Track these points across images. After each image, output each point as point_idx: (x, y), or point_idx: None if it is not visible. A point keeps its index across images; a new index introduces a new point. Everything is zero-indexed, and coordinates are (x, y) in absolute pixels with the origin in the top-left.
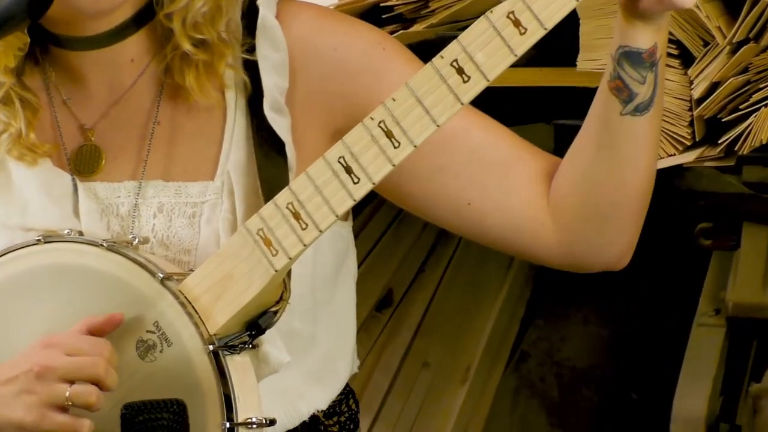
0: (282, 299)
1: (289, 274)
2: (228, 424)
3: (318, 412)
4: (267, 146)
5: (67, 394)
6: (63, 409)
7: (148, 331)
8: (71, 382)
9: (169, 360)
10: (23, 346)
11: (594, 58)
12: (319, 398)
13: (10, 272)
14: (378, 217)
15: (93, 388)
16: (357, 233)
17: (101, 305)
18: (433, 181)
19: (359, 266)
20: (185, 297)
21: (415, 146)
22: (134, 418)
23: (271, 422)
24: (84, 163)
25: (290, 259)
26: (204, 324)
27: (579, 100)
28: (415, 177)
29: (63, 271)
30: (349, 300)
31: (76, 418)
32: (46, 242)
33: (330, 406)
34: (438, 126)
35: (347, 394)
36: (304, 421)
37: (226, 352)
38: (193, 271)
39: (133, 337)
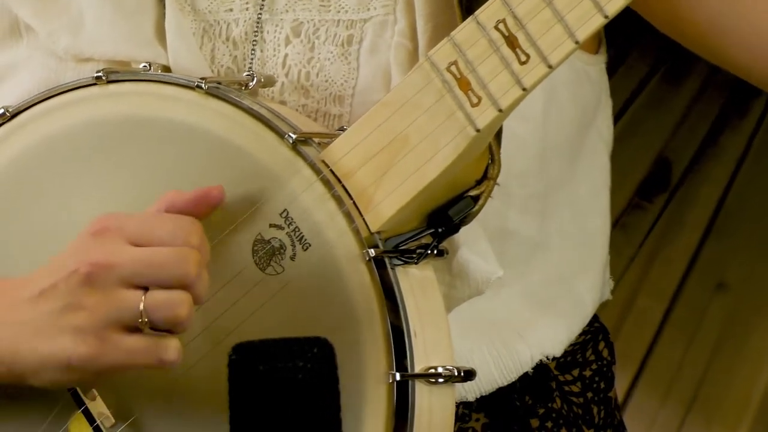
0: (487, 177)
1: (498, 136)
2: (398, 376)
3: (548, 360)
4: None
5: (141, 306)
6: (133, 329)
7: (272, 226)
8: (143, 287)
9: (304, 272)
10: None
11: None
12: (550, 339)
13: (57, 128)
14: (641, 49)
15: (182, 295)
16: (612, 73)
17: (197, 185)
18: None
19: (615, 125)
20: (332, 171)
21: None
22: (250, 366)
23: (468, 375)
24: None
25: (500, 111)
26: (362, 216)
27: None
28: None
29: (137, 127)
30: (600, 180)
31: (157, 337)
32: (110, 81)
33: (567, 353)
34: None
35: (595, 333)
36: (526, 374)
37: (396, 261)
38: (345, 129)
39: (249, 234)
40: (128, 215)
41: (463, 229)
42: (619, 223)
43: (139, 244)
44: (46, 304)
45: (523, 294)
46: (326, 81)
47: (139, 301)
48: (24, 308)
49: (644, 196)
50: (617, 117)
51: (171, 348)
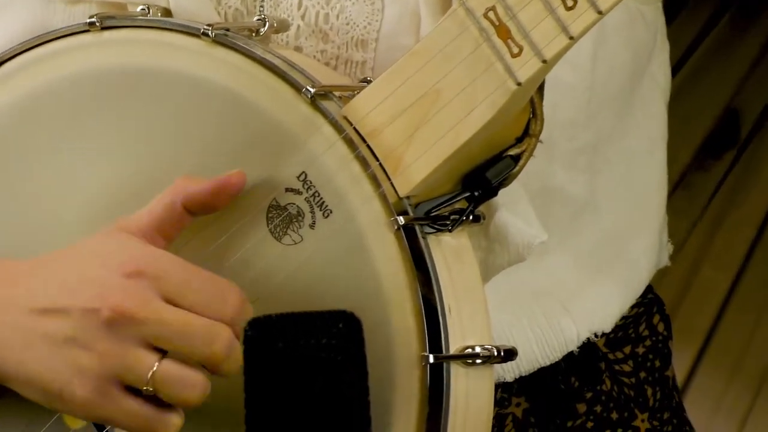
0: (528, 134)
1: (540, 89)
2: (432, 358)
3: (597, 337)
4: None
5: (150, 373)
6: (134, 390)
7: (288, 190)
8: (161, 350)
9: (325, 242)
10: (60, 220)
11: None
12: (599, 311)
13: (45, 81)
14: None
15: (198, 377)
16: (672, 18)
17: (203, 145)
18: None
19: (674, 75)
20: (356, 130)
21: None
22: (268, 342)
23: (508, 355)
24: None
25: (544, 62)
26: (390, 179)
27: None
28: None
29: (135, 81)
30: (655, 131)
31: (160, 409)
32: (104, 28)
33: (617, 327)
34: None
35: (649, 305)
36: (571, 353)
37: (428, 229)
38: (370, 82)
39: (263, 199)
40: (171, 261)
41: (501, 190)
42: (681, 183)
43: (173, 302)
44: (49, 326)
45: (569, 259)
46: (347, 23)
47: (150, 367)
48: (18, 313)
49: (710, 152)
50: (679, 66)
51: (171, 426)
